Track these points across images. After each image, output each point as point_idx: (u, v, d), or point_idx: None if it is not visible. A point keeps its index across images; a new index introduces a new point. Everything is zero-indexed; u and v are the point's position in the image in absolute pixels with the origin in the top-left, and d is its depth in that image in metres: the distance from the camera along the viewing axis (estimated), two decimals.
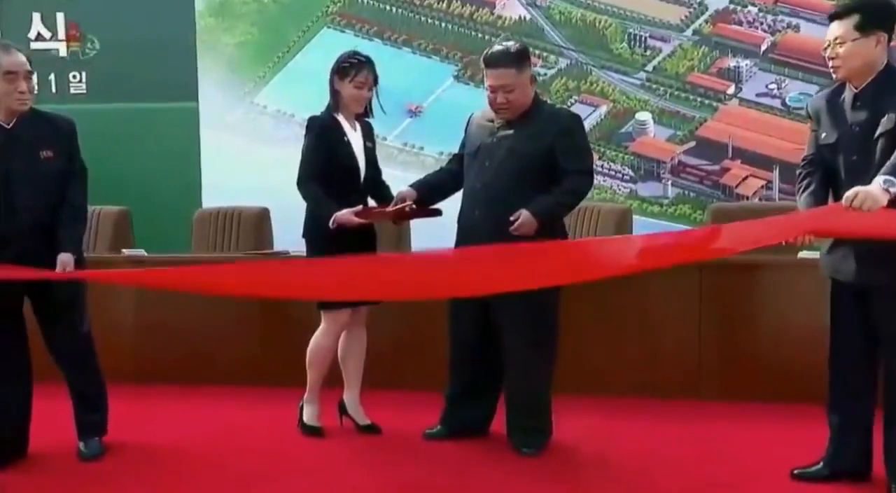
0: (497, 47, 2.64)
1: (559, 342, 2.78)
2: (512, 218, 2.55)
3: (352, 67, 2.89)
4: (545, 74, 4.99)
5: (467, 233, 2.68)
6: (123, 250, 3.96)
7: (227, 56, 5.23)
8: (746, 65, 4.80)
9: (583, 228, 4.11)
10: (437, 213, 2.85)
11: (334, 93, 2.90)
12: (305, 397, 3.00)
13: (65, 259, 2.61)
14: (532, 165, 2.61)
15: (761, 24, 4.82)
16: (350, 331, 2.99)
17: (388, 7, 5.16)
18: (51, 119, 2.69)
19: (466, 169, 2.72)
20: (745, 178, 4.77)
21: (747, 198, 4.74)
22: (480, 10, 5.08)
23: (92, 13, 5.23)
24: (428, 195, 2.78)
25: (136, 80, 5.18)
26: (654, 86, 4.87)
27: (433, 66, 5.00)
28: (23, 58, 2.60)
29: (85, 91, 5.27)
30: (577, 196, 2.65)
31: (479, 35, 5.05)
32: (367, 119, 2.99)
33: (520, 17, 5.03)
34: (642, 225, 4.64)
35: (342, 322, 2.92)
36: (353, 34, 5.16)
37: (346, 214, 2.77)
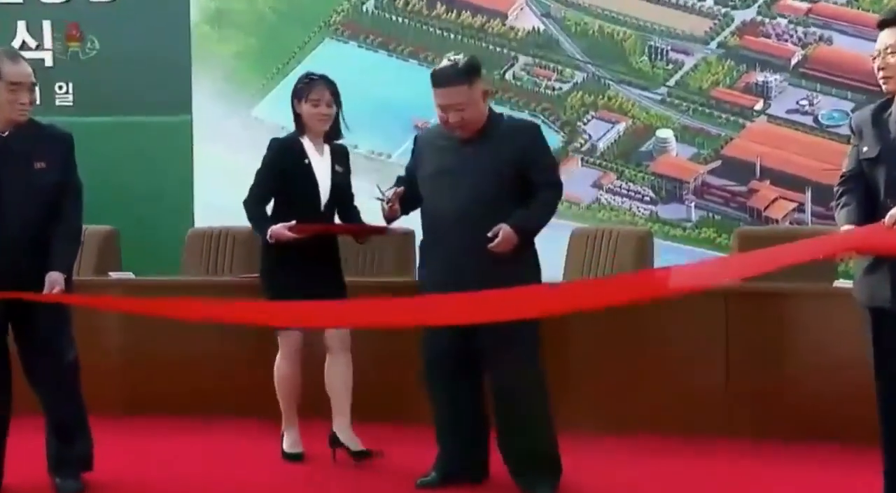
0: (444, 63, 2.62)
1: (546, 363, 2.73)
2: (490, 234, 2.54)
3: (305, 87, 3.08)
4: (560, 89, 5.03)
5: (450, 263, 2.62)
6: (110, 273, 3.96)
7: (224, 67, 5.27)
8: (776, 80, 4.81)
9: (600, 253, 4.08)
10: (384, 231, 2.98)
11: (296, 117, 3.11)
12: (283, 425, 3.12)
13: (54, 278, 2.60)
14: (506, 181, 2.61)
15: (791, 36, 4.84)
16: (332, 356, 3.06)
17: (394, 17, 5.20)
18: (47, 130, 2.71)
19: (428, 194, 2.69)
20: (775, 200, 4.76)
21: (777, 222, 4.73)
22: (492, 20, 5.12)
23: (81, 21, 5.28)
24: (409, 199, 2.76)
25: (126, 91, 5.19)
26: (677, 101, 4.89)
27: None
28: (28, 69, 2.63)
29: (71, 103, 5.28)
30: (551, 210, 2.67)
31: (491, 47, 5.08)
32: (339, 143, 3.14)
33: (534, 29, 5.06)
34: (664, 250, 4.62)
35: (293, 344, 3.05)
36: (357, 45, 5.19)
37: (278, 229, 2.94)
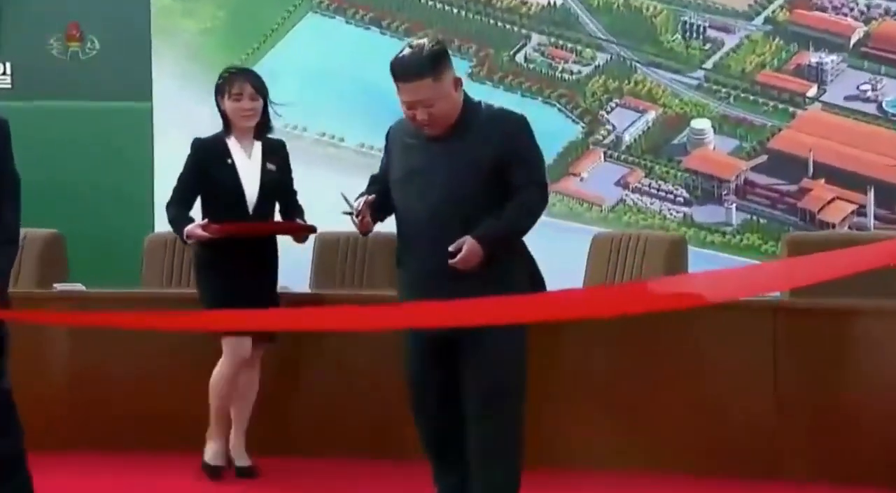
0: (405, 52, 2.53)
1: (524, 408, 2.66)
2: (452, 248, 2.50)
3: (226, 82, 3.31)
4: (579, 73, 5.01)
5: (420, 279, 2.60)
6: (56, 285, 3.91)
7: (189, 46, 5.23)
8: (832, 61, 4.77)
9: (626, 261, 4.03)
10: (312, 229, 3.30)
11: (222, 114, 3.34)
12: (208, 432, 3.30)
13: None
14: (484, 181, 2.55)
15: (851, 10, 4.79)
16: (243, 372, 3.30)
17: None
18: None
19: (399, 199, 2.64)
20: (831, 201, 4.73)
21: (833, 226, 4.70)
22: None
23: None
24: (384, 204, 2.69)
25: (74, 72, 5.13)
26: (715, 87, 4.92)
27: None
28: None
29: (10, 85, 5.24)
30: (531, 214, 2.59)
31: (499, 24, 5.06)
32: (275, 137, 3.36)
33: (549, 2, 5.04)
34: (699, 259, 4.57)
35: (242, 352, 3.27)
36: (345, 21, 5.17)
37: (191, 228, 3.21)
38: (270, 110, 3.34)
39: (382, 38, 5.13)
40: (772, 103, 4.84)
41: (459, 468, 2.67)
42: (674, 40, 4.92)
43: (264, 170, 3.31)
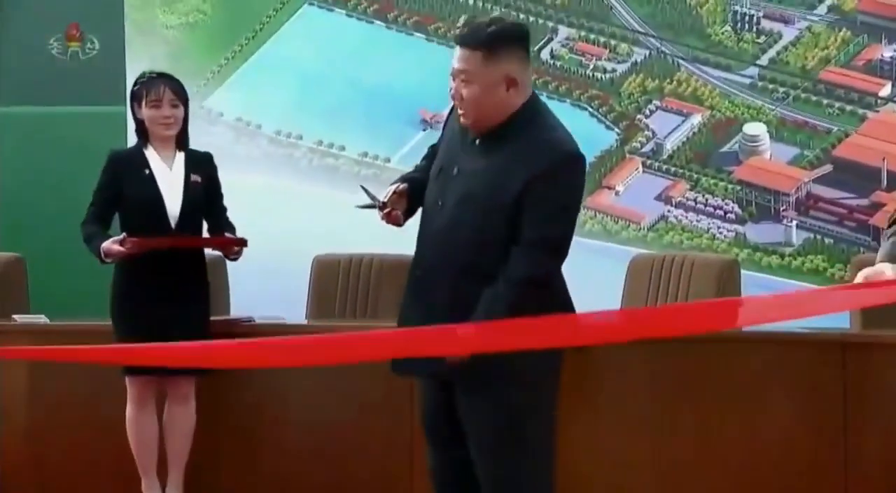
0: (482, 19, 2.57)
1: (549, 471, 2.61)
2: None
3: (142, 87, 3.47)
4: (614, 71, 4.97)
5: (415, 289, 2.60)
6: (15, 317, 3.91)
7: (169, 43, 5.23)
8: None
9: (669, 287, 3.99)
10: (243, 242, 3.42)
11: (138, 124, 3.50)
12: (143, 486, 3.47)
13: None
14: (496, 222, 2.49)
15: None
16: (171, 407, 3.48)
17: None
18: None
19: (427, 194, 2.62)
20: None
21: None
22: None
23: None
24: (416, 195, 2.66)
25: (35, 72, 5.14)
26: (771, 86, 4.86)
27: None
28: None
29: None
30: (528, 285, 2.47)
31: (522, 16, 5.00)
32: (195, 150, 3.51)
33: None
34: (755, 283, 4.53)
35: (141, 390, 3.43)
36: (345, 14, 5.15)
37: (108, 245, 3.35)
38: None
39: (387, 33, 5.12)
40: (838, 105, 4.79)
41: None
42: (723, 33, 4.88)
43: (188, 182, 3.42)
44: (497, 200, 2.48)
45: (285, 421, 3.66)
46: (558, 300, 2.55)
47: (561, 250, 2.52)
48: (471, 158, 2.54)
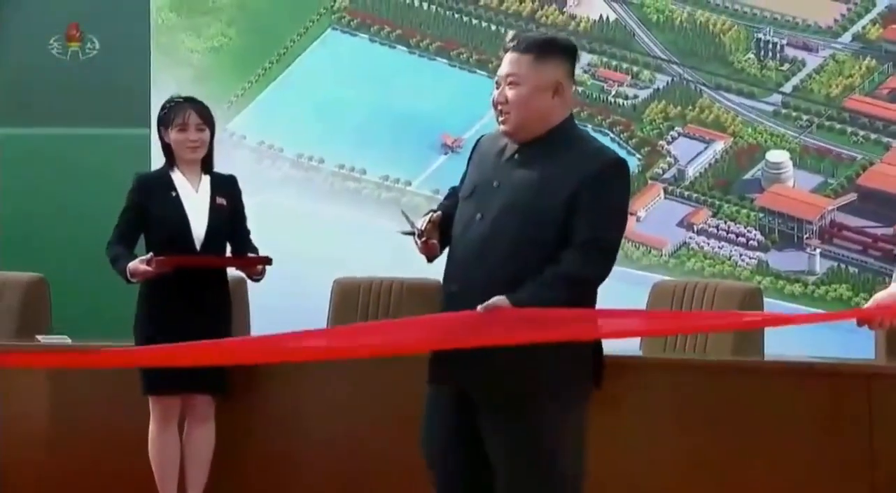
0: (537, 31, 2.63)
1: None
2: (480, 308, 2.40)
3: (170, 112, 3.51)
4: (636, 97, 4.97)
5: (452, 304, 2.54)
6: (38, 337, 3.95)
7: (193, 66, 5.27)
8: None
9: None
10: (268, 261, 3.46)
11: (165, 147, 3.54)
12: None
13: None
14: (548, 219, 2.46)
15: None
16: (190, 428, 3.50)
17: (416, 2, 5.17)
18: None
19: (457, 215, 2.59)
20: None
21: None
22: (546, 7, 5.08)
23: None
24: (447, 227, 2.64)
25: (62, 95, 5.17)
26: (795, 114, 4.84)
27: (478, 83, 4.99)
28: None
29: None
30: (579, 284, 2.46)
31: None
32: (220, 172, 3.56)
33: (601, 18, 5.02)
34: (778, 311, 4.46)
35: (165, 410, 3.46)
36: (368, 38, 5.19)
37: (135, 264, 3.38)
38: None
39: (410, 58, 5.14)
40: (862, 133, 4.77)
41: None
42: (746, 60, 4.87)
43: (213, 205, 3.48)
44: (544, 206, 2.45)
45: (306, 441, 3.63)
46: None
47: (614, 252, 2.49)
48: (512, 172, 2.51)
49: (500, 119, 2.53)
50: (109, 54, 5.24)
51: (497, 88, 2.53)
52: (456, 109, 4.97)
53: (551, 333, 2.31)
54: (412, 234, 2.56)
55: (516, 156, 2.53)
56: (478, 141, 2.68)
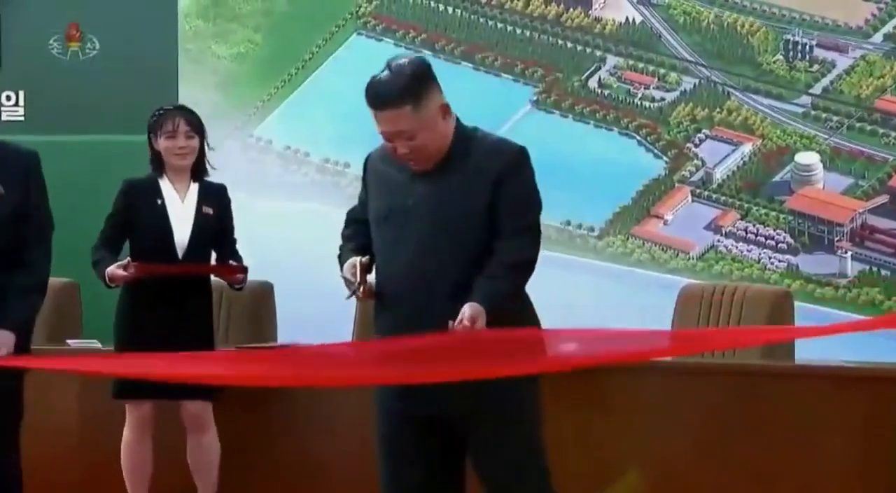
0: (382, 74, 2.46)
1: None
2: (455, 323, 2.39)
3: (159, 120, 3.51)
4: (662, 100, 4.94)
5: (403, 328, 2.50)
6: (69, 341, 3.98)
7: (219, 72, 5.30)
8: None
9: (719, 318, 3.93)
10: (244, 270, 3.47)
11: (154, 155, 3.55)
12: None
13: (2, 337, 2.67)
14: (472, 227, 2.48)
15: None
16: (192, 437, 3.50)
17: (441, 6, 5.17)
18: (3, 149, 2.82)
19: (376, 241, 2.57)
20: None
21: None
22: (572, 10, 5.06)
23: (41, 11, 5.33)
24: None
25: (91, 103, 5.19)
26: (825, 115, 4.81)
27: (504, 87, 5.01)
28: None
29: (22, 117, 5.34)
30: (525, 268, 2.52)
31: (570, 45, 5.02)
32: (210, 181, 3.56)
33: (627, 20, 5.00)
34: (808, 315, 4.44)
35: (138, 416, 3.47)
36: (394, 43, 5.18)
37: (113, 269, 3.40)
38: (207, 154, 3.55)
39: (435, 61, 4.99)
40: (894, 134, 4.72)
41: None
42: (775, 61, 4.83)
43: (199, 214, 3.49)
44: (467, 214, 2.47)
45: (317, 447, 3.63)
46: (529, 310, 2.55)
47: (540, 232, 2.56)
48: (423, 189, 2.49)
49: (411, 164, 2.49)
50: (124, 56, 5.23)
51: (390, 142, 2.47)
52: (481, 113, 4.91)
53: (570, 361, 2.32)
54: (354, 293, 2.50)
55: (424, 176, 2.50)
56: (367, 160, 2.65)
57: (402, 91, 2.42)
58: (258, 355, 3.17)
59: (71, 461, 3.74)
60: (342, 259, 2.57)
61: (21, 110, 5.37)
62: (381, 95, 2.43)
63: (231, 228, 3.59)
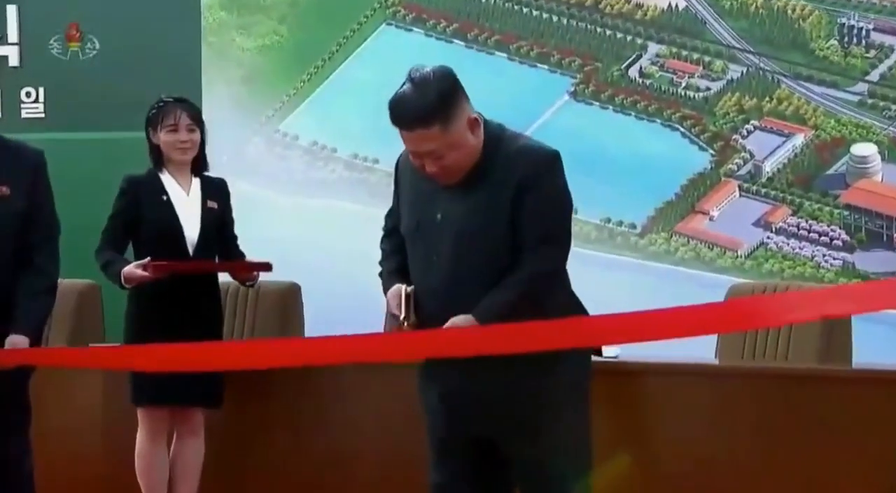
0: (406, 89, 2.42)
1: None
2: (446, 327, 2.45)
3: (159, 113, 3.47)
4: (708, 89, 4.85)
5: (435, 366, 2.56)
6: (91, 345, 3.99)
7: (244, 66, 5.26)
8: None
9: None
10: (268, 267, 3.45)
11: (154, 149, 3.49)
12: None
13: (16, 342, 2.75)
14: (496, 247, 2.49)
15: None
16: (180, 440, 3.48)
17: None
18: (11, 147, 2.86)
19: (409, 255, 2.60)
20: None
21: None
22: None
23: (57, 6, 5.36)
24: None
25: (112, 99, 5.17)
26: (882, 104, 4.69)
27: (540, 78, 4.95)
28: None
29: (42, 114, 5.36)
30: (538, 279, 2.51)
31: (609, 33, 4.94)
32: (210, 175, 3.52)
33: (670, 6, 4.91)
34: (865, 316, 4.25)
35: (155, 422, 3.43)
36: (424, 33, 5.13)
37: (129, 269, 3.33)
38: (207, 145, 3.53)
39: (468, 52, 5.05)
40: None
41: None
42: (829, 47, 4.71)
43: (205, 208, 3.44)
44: (494, 227, 2.47)
45: (306, 452, 3.59)
46: (567, 297, 2.56)
47: (567, 238, 2.55)
48: (451, 201, 2.49)
49: (443, 181, 2.47)
50: (146, 50, 5.24)
51: (417, 160, 2.45)
52: (517, 105, 4.87)
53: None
54: (400, 326, 2.52)
55: (451, 190, 2.48)
56: (398, 163, 2.64)
57: (429, 111, 2.39)
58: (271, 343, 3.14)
59: (93, 460, 3.76)
60: (384, 281, 2.59)
61: (41, 107, 5.39)
62: (407, 116, 2.40)
63: (232, 223, 3.55)
